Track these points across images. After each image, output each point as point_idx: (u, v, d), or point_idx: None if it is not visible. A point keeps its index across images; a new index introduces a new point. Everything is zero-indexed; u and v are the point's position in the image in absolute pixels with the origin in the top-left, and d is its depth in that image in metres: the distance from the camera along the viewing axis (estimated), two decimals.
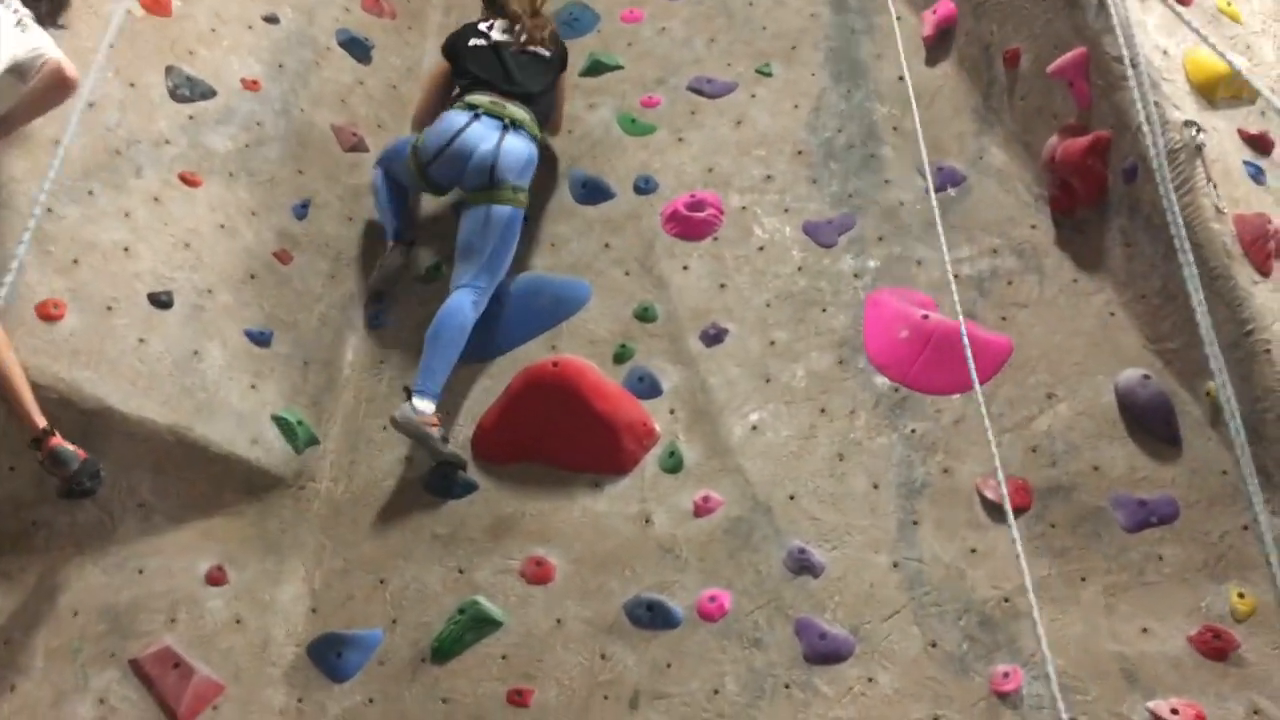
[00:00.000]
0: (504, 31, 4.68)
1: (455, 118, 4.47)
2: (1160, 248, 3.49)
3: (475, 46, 4.66)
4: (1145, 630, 3.26)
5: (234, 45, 4.68)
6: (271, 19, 4.87)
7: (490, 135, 4.39)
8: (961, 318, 3.48)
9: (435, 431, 4.03)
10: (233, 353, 4.16)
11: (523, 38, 4.64)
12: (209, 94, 4.48)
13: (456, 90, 4.66)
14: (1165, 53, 3.72)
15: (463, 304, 4.26)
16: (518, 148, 4.42)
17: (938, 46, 4.70)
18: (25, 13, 3.65)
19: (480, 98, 4.51)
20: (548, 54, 4.69)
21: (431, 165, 4.47)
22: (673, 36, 5.21)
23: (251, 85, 4.65)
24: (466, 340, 4.23)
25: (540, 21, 4.71)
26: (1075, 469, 3.55)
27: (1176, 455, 3.45)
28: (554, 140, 4.94)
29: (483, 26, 4.73)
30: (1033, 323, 3.90)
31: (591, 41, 5.31)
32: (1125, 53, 3.55)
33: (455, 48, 4.73)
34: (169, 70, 4.40)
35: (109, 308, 3.87)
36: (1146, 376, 3.55)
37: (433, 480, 4.16)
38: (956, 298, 3.53)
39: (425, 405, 4.05)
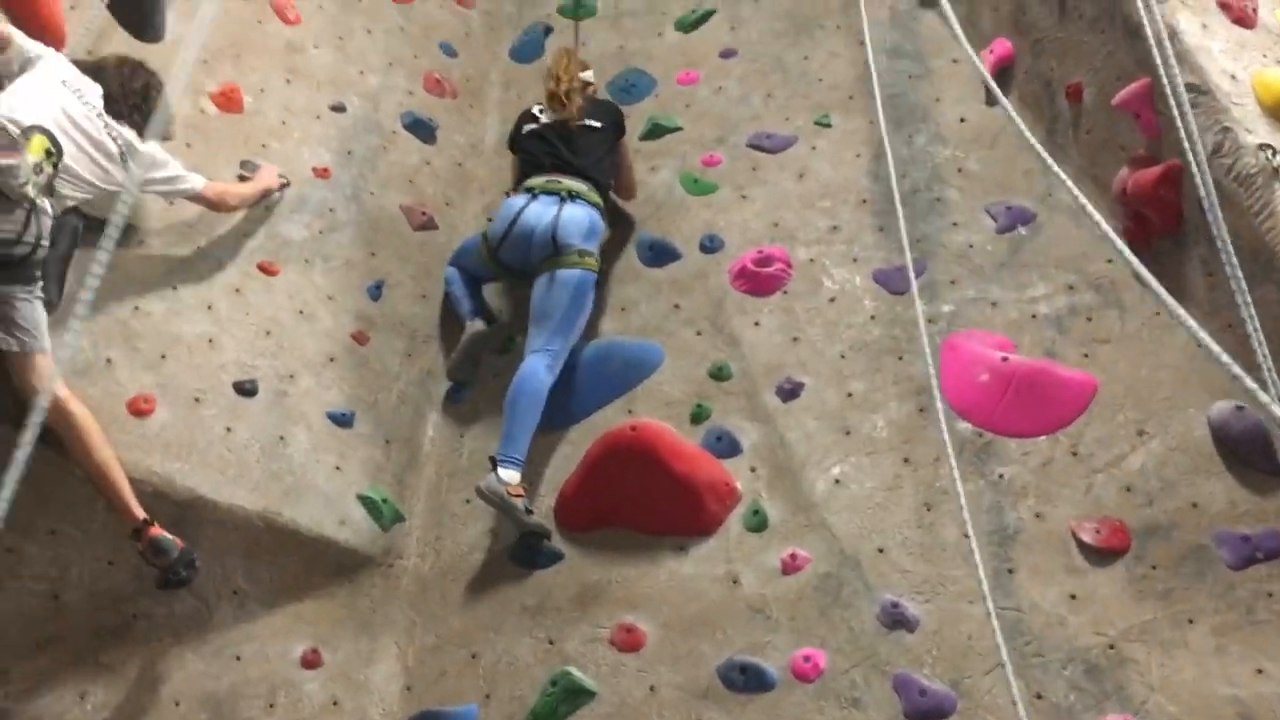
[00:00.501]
0: (549, 113, 4.81)
1: (514, 202, 4.63)
2: (1244, 274, 3.40)
3: (529, 132, 4.83)
4: (1260, 671, 3.14)
5: (304, 136, 4.82)
6: (339, 108, 5.01)
7: (548, 210, 4.52)
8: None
9: (520, 502, 4.05)
10: (316, 435, 4.23)
11: (564, 116, 4.74)
12: (283, 185, 4.60)
13: (520, 175, 4.81)
14: (1233, 77, 3.65)
15: (537, 369, 4.29)
16: (577, 215, 4.51)
17: (997, 85, 4.66)
18: (126, 137, 3.83)
19: (537, 179, 4.66)
20: (598, 124, 4.77)
21: (500, 249, 4.60)
22: (729, 95, 5.26)
23: (322, 173, 4.78)
24: (544, 405, 4.26)
25: (576, 101, 4.76)
26: (1173, 507, 3.45)
27: (1279, 487, 3.34)
28: (623, 204, 4.99)
29: (535, 110, 4.89)
30: (1116, 358, 3.82)
31: (649, 105, 5.37)
32: (1161, 65, 3.51)
33: (514, 138, 4.92)
34: (243, 164, 4.53)
35: (197, 399, 3.97)
36: (1240, 407, 3.45)
37: (518, 551, 4.17)
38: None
39: (510, 475, 4.08)
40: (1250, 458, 3.39)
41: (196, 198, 4.13)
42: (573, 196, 4.57)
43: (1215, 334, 3.58)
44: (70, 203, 3.68)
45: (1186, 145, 3.35)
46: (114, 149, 3.76)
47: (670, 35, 5.64)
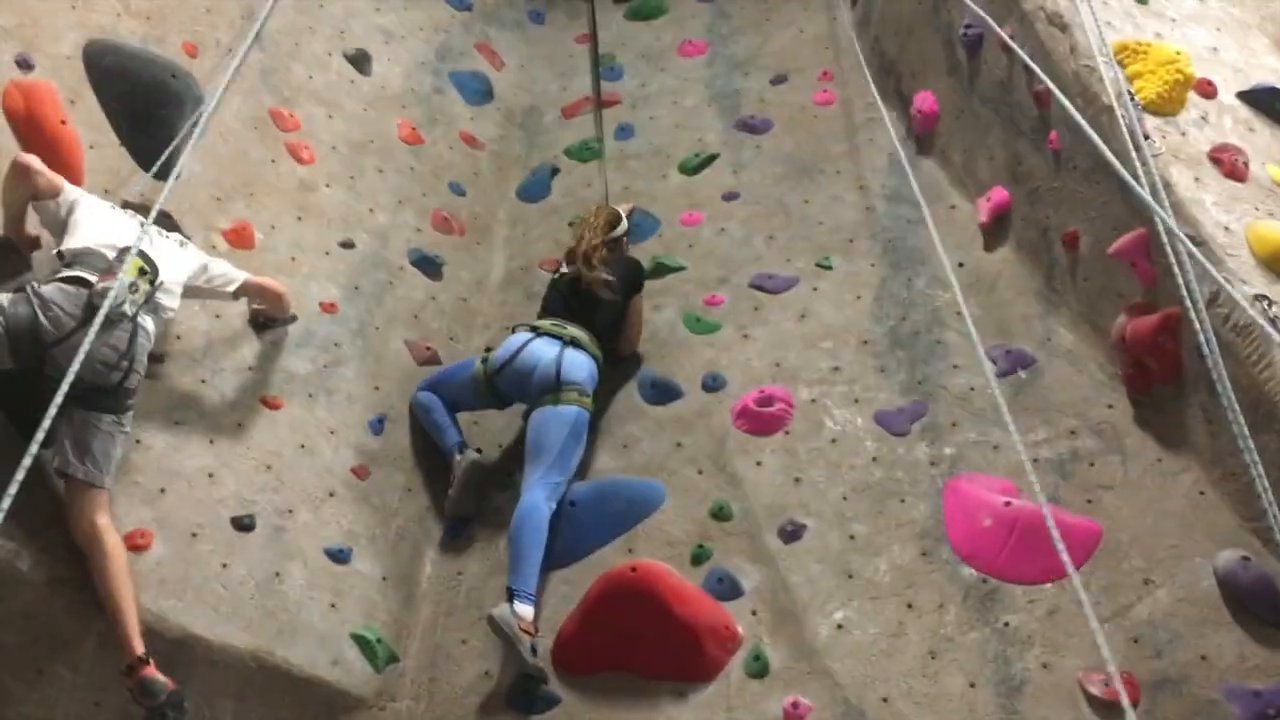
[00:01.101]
0: (571, 267, 4.96)
1: (518, 337, 4.74)
2: (1244, 423, 3.41)
3: (552, 279, 5.02)
4: None
5: (312, 271, 4.89)
6: (348, 244, 5.09)
7: (551, 350, 4.62)
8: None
9: (528, 640, 3.99)
10: (313, 572, 4.17)
11: (580, 277, 4.87)
12: (289, 320, 4.65)
13: (537, 316, 4.93)
14: (1227, 229, 3.72)
15: (536, 501, 4.29)
16: (579, 359, 4.62)
17: (995, 232, 4.76)
18: (177, 238, 4.07)
19: (544, 321, 4.78)
20: (608, 277, 4.86)
21: (498, 376, 4.66)
22: (732, 236, 5.35)
23: (329, 308, 4.84)
24: (548, 535, 4.23)
25: (594, 274, 4.84)
26: (1183, 659, 3.38)
27: None
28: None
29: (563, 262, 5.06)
30: (1120, 505, 3.80)
31: (653, 245, 5.46)
32: (1153, 204, 3.57)
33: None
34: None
35: (194, 534, 3.93)
36: (1246, 558, 3.41)
37: (514, 695, 4.07)
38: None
39: (525, 610, 4.04)
40: (1258, 610, 3.34)
41: (250, 288, 4.28)
42: (575, 344, 4.66)
43: (1219, 482, 3.61)
44: (169, 314, 3.86)
45: (1185, 296, 3.39)
46: (175, 249, 3.97)
47: (674, 178, 5.79)
